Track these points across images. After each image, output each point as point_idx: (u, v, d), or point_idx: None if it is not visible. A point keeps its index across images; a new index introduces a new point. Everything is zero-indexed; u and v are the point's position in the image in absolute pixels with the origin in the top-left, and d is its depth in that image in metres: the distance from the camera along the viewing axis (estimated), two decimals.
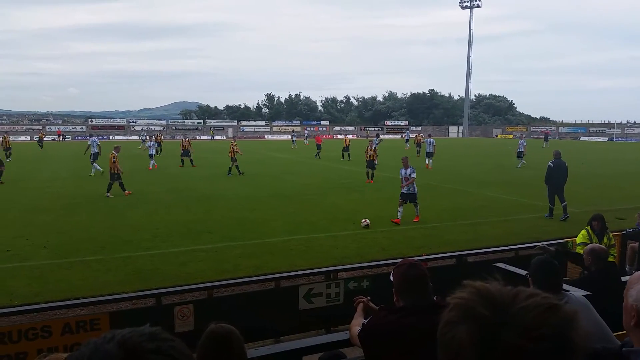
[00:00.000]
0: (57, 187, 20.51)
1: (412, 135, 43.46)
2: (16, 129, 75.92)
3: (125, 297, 6.77)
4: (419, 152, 34.90)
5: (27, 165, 30.09)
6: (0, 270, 9.31)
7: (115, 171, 18.44)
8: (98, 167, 24.57)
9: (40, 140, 49.39)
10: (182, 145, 30.36)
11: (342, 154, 34.58)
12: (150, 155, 29.26)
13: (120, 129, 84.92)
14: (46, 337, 5.34)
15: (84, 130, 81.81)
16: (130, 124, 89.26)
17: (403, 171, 13.88)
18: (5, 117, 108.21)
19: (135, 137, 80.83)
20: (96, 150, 25.28)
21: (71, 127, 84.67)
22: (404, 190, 13.76)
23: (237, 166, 25.15)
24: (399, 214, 13.55)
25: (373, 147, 23.22)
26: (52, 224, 13.27)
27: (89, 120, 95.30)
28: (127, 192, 18.49)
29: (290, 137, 57.66)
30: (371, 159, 22.51)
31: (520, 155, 29.62)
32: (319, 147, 37.69)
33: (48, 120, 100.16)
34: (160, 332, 0.84)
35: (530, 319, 0.83)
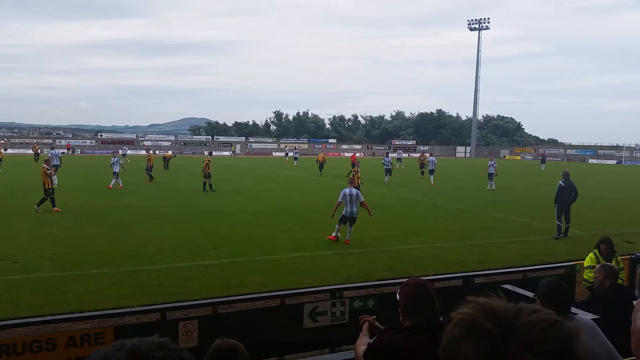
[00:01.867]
0: (65, 199, 20.61)
1: (404, 155, 42.79)
2: (27, 141, 76.65)
3: (130, 311, 6.76)
4: (422, 172, 34.71)
5: (33, 177, 30.30)
6: (7, 281, 9.35)
7: (49, 187, 17.65)
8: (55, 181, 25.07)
9: (36, 154, 47.85)
10: (149, 161, 29.71)
11: (349, 172, 34.44)
12: (115, 174, 25.61)
13: (129, 143, 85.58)
14: (50, 349, 5.33)
15: (94, 144, 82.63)
16: (140, 139, 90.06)
17: (348, 191, 13.25)
18: (17, 130, 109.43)
19: (144, 152, 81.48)
20: (57, 163, 25.93)
21: (81, 141, 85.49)
22: (346, 214, 13.14)
23: (210, 183, 24.68)
24: (336, 230, 13.35)
25: (356, 168, 22.66)
26: (58, 237, 13.33)
27: (99, 134, 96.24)
28: (55, 209, 17.54)
29: (292, 154, 56.51)
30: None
31: (490, 177, 28.92)
32: (353, 165, 36.75)
33: (58, 133, 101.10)
34: (169, 342, 0.86)
35: (534, 334, 0.83)
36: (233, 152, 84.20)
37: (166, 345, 0.84)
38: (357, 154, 59.93)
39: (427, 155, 36.09)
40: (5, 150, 39.70)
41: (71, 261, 10.84)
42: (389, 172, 31.62)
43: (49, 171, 17.90)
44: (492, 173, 28.60)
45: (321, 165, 37.41)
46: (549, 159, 69.61)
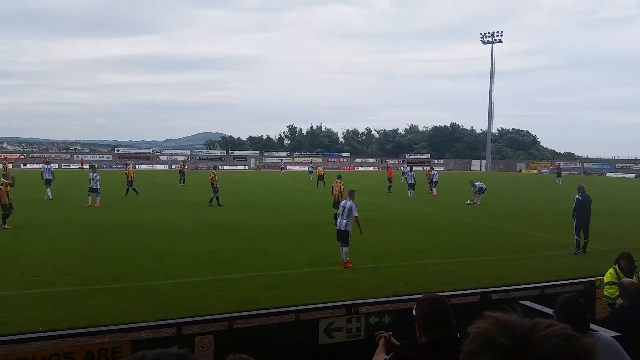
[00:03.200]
0: (83, 214, 20.90)
1: (407, 168, 41.50)
2: (44, 156, 77.96)
3: (146, 325, 6.80)
4: (431, 188, 34.21)
5: (54, 192, 30.78)
6: (27, 295, 9.49)
7: (7, 202, 17.28)
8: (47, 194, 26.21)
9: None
10: (127, 175, 29.27)
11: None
12: (93, 190, 23.72)
13: (145, 158, 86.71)
14: None
15: (110, 159, 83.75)
16: (156, 153, 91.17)
17: (344, 202, 12.54)
18: (35, 145, 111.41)
19: (160, 167, 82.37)
20: (49, 177, 26.57)
21: (98, 155, 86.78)
22: (337, 226, 12.50)
23: (217, 197, 24.69)
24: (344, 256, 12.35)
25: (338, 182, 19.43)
26: (76, 251, 13.49)
27: (116, 149, 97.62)
28: (5, 226, 17.06)
29: (307, 168, 57.18)
30: (338, 200, 17.95)
31: (411, 187, 30.49)
32: (390, 180, 35.78)
33: (76, 148, 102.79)
34: (188, 353, 0.89)
35: (549, 348, 0.85)
36: (257, 166, 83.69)
37: (185, 356, 0.88)
38: (383, 169, 59.65)
39: (431, 171, 35.18)
40: (24, 165, 40.38)
41: (89, 275, 10.96)
42: (412, 186, 30.63)
43: (7, 187, 17.49)
44: (412, 183, 30.32)
45: (320, 177, 39.42)
46: (565, 172, 68.80)
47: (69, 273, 11.14)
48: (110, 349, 5.69)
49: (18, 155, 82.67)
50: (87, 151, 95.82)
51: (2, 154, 77.54)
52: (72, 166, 76.02)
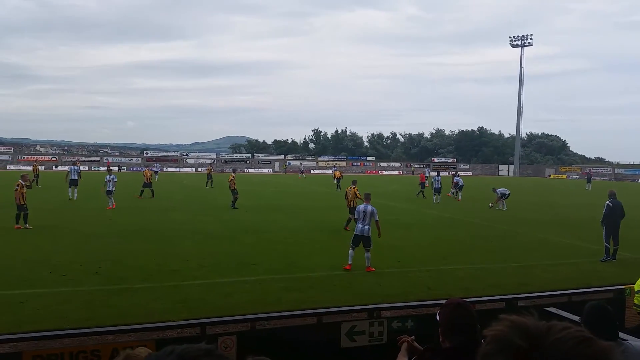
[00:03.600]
0: (111, 215, 21.32)
1: (433, 172, 40.70)
2: (76, 158, 79.84)
3: (171, 325, 6.88)
4: (454, 193, 34.20)
5: (83, 193, 31.52)
6: (56, 294, 9.72)
7: (22, 202, 17.42)
8: (70, 194, 27.09)
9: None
10: (145, 176, 30.00)
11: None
12: (109, 192, 23.84)
13: (173, 161, 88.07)
14: None
15: (139, 161, 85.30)
16: (183, 156, 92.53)
17: (362, 207, 12.34)
18: (67, 148, 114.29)
19: (187, 170, 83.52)
20: (75, 177, 27.31)
21: (127, 158, 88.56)
22: (357, 232, 12.17)
23: (234, 200, 24.89)
24: (349, 258, 12.22)
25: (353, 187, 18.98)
26: (104, 251, 13.76)
27: (145, 152, 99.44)
28: (18, 225, 17.23)
29: (331, 172, 58.17)
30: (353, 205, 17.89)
31: (437, 191, 30.14)
32: (422, 185, 34.93)
33: (106, 151, 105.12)
34: (215, 349, 0.91)
35: (565, 350, 0.84)
36: (284, 169, 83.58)
37: (213, 352, 0.90)
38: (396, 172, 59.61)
39: (434, 174, 34.30)
40: (56, 167, 41.39)
41: (116, 275, 11.17)
42: (438, 191, 30.59)
43: (23, 188, 17.64)
44: (438, 188, 29.84)
45: (338, 180, 41.32)
46: (595, 178, 67.21)
47: (96, 272, 11.37)
48: (135, 347, 5.78)
49: (50, 157, 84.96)
50: (117, 154, 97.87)
51: (34, 156, 79.78)
52: (102, 168, 77.67)
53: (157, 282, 10.68)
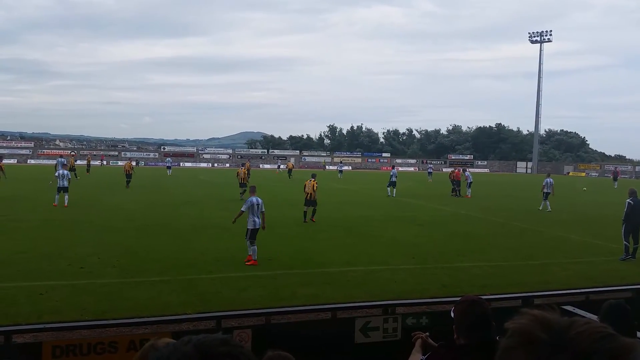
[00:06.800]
0: (130, 209, 21.58)
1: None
2: (94, 153, 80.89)
3: (187, 318, 6.96)
4: (467, 189, 33.39)
5: (98, 188, 31.95)
6: (74, 286, 9.89)
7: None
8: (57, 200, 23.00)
9: (88, 165, 49.10)
10: (125, 170, 32.41)
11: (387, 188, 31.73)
12: (61, 189, 21.20)
13: (190, 156, 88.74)
14: (112, 352, 5.58)
15: (157, 156, 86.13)
16: (200, 152, 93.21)
17: (255, 200, 12.51)
18: (85, 142, 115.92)
19: (203, 165, 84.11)
20: (65, 184, 25.48)
21: (144, 153, 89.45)
22: (257, 226, 12.25)
23: (242, 192, 25.86)
24: (254, 254, 12.09)
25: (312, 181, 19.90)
26: (122, 244, 13.95)
27: (162, 147, 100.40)
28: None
29: (337, 167, 60.78)
30: (310, 197, 19.28)
31: (546, 196, 25.59)
32: (457, 183, 33.14)
33: (123, 146, 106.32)
34: (231, 339, 0.93)
35: (586, 345, 0.83)
36: (340, 168, 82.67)
37: (229, 342, 0.92)
38: (411, 169, 59.72)
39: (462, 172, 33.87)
40: (75, 161, 42.11)
41: (133, 268, 11.32)
42: (469, 185, 32.33)
43: None
44: (548, 192, 25.40)
45: (290, 171, 47.25)
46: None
47: (114, 265, 11.54)
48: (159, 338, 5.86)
49: (69, 152, 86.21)
50: (135, 149, 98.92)
51: (57, 151, 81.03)
52: (120, 163, 78.62)
53: (173, 275, 10.80)
